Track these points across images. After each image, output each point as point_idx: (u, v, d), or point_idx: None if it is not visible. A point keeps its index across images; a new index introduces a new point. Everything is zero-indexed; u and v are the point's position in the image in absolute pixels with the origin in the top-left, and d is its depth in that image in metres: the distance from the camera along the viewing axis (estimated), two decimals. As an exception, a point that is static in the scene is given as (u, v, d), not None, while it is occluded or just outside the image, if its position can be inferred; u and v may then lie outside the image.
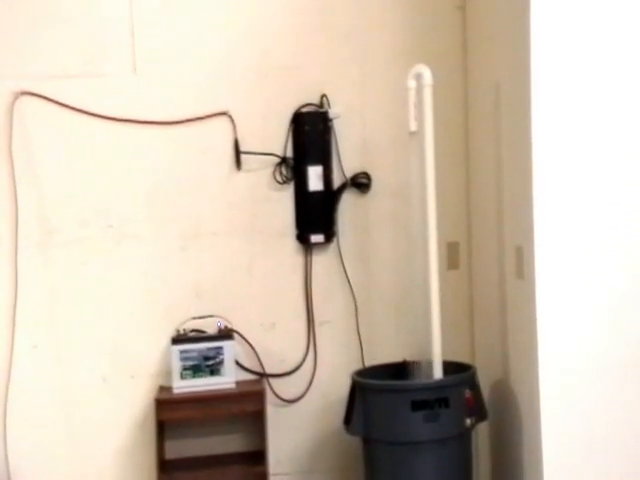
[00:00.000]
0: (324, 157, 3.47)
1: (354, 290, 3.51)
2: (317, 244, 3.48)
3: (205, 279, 3.44)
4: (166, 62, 3.41)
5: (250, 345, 3.45)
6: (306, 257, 3.51)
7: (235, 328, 3.41)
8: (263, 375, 3.46)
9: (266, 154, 3.45)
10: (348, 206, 3.51)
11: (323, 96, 3.47)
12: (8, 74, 3.31)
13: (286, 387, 3.48)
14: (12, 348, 3.32)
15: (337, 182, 3.50)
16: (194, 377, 3.28)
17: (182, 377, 3.28)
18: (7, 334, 3.32)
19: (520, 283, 2.95)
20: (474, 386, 3.08)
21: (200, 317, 3.40)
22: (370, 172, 3.52)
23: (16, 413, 3.33)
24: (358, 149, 3.52)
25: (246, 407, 3.30)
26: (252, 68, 3.45)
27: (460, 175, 3.57)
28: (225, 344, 3.31)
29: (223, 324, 3.38)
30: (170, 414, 3.25)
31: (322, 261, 3.51)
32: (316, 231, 3.47)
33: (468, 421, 2.99)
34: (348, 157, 3.50)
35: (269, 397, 3.41)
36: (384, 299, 3.54)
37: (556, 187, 2.79)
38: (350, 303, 3.52)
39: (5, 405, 3.32)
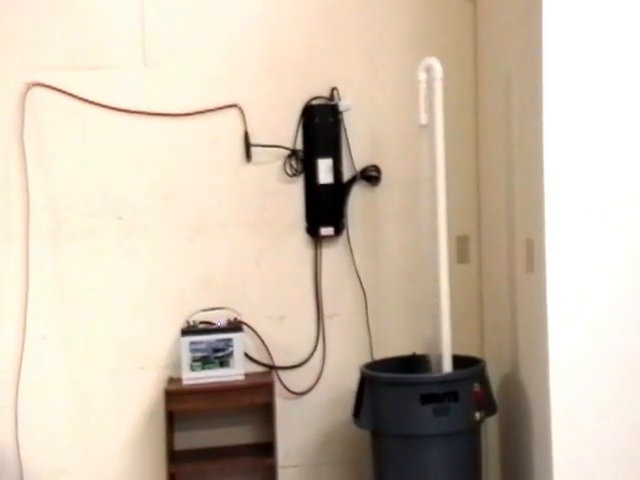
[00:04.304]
0: (334, 150, 3.46)
1: (363, 283, 3.51)
2: (327, 237, 3.48)
3: (215, 271, 3.45)
4: (176, 54, 3.41)
5: (259, 337, 3.46)
6: (316, 250, 3.50)
7: (244, 320, 3.42)
8: (272, 367, 3.47)
9: (276, 147, 3.45)
10: (358, 199, 3.51)
11: (333, 89, 3.46)
12: (20, 65, 3.32)
13: (295, 379, 3.49)
14: (23, 339, 3.34)
15: (347, 175, 3.50)
16: (203, 369, 3.29)
17: (191, 369, 3.29)
18: (18, 325, 3.34)
19: (530, 276, 2.94)
20: (483, 380, 3.08)
21: (209, 309, 3.41)
22: (380, 165, 3.52)
23: (26, 404, 3.34)
24: (368, 142, 3.51)
25: (255, 399, 3.30)
26: (262, 60, 3.45)
27: (470, 168, 3.56)
28: (234, 336, 3.32)
29: (225, 320, 3.36)
30: (179, 405, 3.26)
31: (332, 254, 3.51)
32: (326, 224, 3.46)
33: (477, 415, 2.99)
34: (358, 150, 3.49)
35: (278, 389, 3.41)
36: (393, 292, 3.54)
37: (567, 179, 2.78)
38: (359, 296, 3.51)
39: (16, 395, 3.33)
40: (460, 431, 2.99)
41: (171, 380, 3.37)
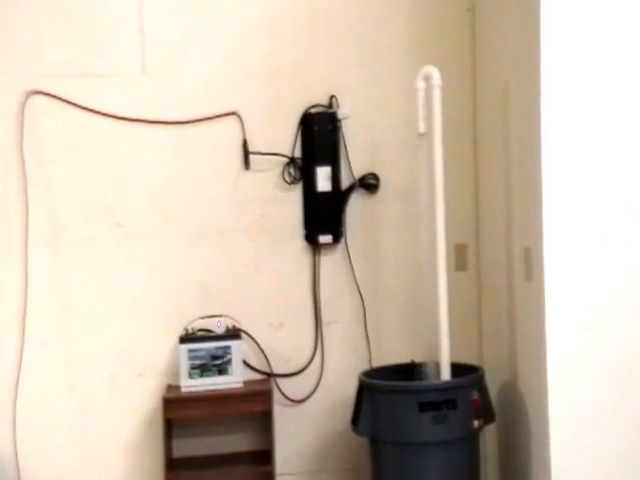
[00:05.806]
0: (333, 158, 3.47)
1: (362, 291, 3.51)
2: (325, 245, 3.48)
3: (213, 279, 3.45)
4: (175, 62, 3.42)
5: (258, 345, 3.46)
6: (314, 257, 3.51)
7: (243, 328, 3.42)
8: (270, 375, 3.47)
9: (274, 154, 3.46)
10: (356, 207, 3.52)
11: (332, 97, 3.47)
12: (19, 73, 3.33)
13: (293, 387, 3.49)
14: (22, 345, 3.33)
15: (345, 183, 3.50)
16: (202, 376, 3.29)
17: (190, 376, 3.29)
18: (17, 331, 3.33)
19: (528, 285, 2.95)
20: (482, 388, 3.08)
21: (208, 316, 3.41)
22: (379, 173, 3.52)
23: (25, 410, 3.34)
24: (367, 150, 3.52)
25: (253, 407, 3.30)
26: (261, 68, 3.46)
27: (469, 176, 3.57)
28: (233, 343, 3.32)
29: (223, 325, 3.36)
30: (178, 413, 3.26)
31: (330, 262, 3.51)
32: (324, 232, 3.47)
33: (476, 423, 2.99)
34: (357, 158, 3.50)
35: (276, 397, 3.41)
36: (392, 300, 3.54)
37: (565, 188, 2.79)
38: (358, 304, 3.52)
39: (14, 402, 3.33)
40: (458, 439, 2.99)
41: (169, 388, 3.37)
